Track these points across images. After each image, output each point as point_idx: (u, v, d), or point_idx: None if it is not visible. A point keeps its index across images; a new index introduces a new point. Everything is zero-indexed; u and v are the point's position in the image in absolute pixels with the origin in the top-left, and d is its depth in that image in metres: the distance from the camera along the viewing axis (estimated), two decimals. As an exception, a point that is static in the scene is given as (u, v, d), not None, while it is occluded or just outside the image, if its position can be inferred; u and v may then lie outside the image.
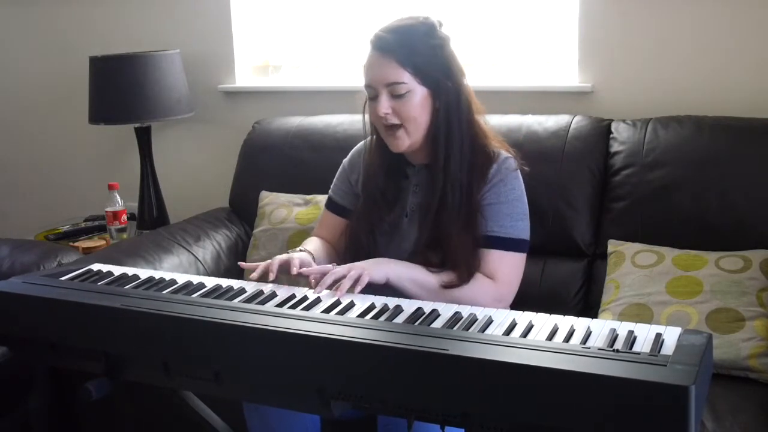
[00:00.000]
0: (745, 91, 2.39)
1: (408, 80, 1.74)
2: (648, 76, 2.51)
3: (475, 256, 1.76)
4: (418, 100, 1.75)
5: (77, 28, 3.36)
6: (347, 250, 1.92)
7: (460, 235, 1.75)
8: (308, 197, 2.58)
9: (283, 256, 1.74)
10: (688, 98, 2.43)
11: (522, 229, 1.80)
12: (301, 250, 1.85)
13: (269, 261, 1.71)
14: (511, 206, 1.79)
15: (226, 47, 3.10)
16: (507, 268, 1.78)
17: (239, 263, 1.78)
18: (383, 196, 1.87)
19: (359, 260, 1.88)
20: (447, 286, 1.72)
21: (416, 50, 1.74)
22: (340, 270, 1.64)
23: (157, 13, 3.20)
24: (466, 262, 1.74)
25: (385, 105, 1.75)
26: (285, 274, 1.72)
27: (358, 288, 1.62)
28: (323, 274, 1.64)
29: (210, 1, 3.09)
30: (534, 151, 2.00)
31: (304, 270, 1.67)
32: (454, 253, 1.74)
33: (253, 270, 1.71)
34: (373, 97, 1.78)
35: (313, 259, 1.83)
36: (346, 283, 1.60)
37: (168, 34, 3.16)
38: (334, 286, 1.61)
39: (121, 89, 2.88)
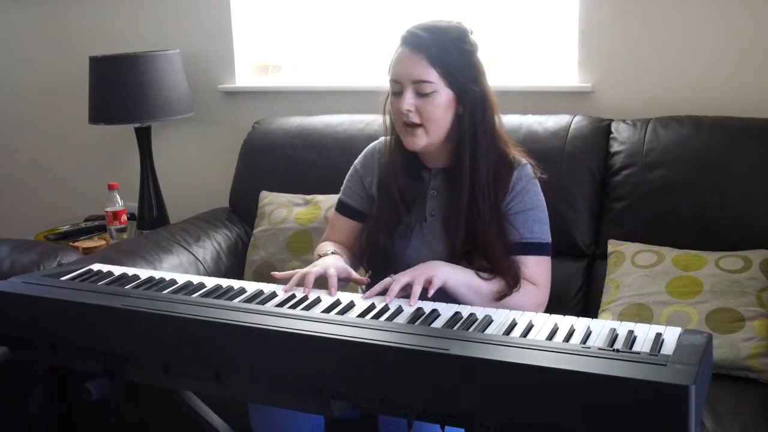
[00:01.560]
0: (744, 91, 2.39)
1: (435, 80, 1.72)
2: (648, 76, 2.51)
3: (514, 263, 1.77)
4: (442, 101, 1.74)
5: (77, 28, 3.36)
6: (364, 252, 1.89)
7: (497, 243, 1.76)
8: (308, 197, 2.58)
9: (319, 271, 1.66)
10: (688, 98, 2.43)
11: (548, 233, 1.83)
12: (332, 253, 1.80)
13: (303, 272, 1.64)
14: (537, 212, 1.81)
15: (226, 47, 3.10)
16: (545, 272, 1.81)
17: (272, 273, 1.70)
18: (402, 197, 1.84)
19: (377, 263, 1.86)
20: (499, 297, 1.72)
21: (448, 52, 1.73)
22: (403, 278, 1.61)
23: (157, 13, 3.20)
24: (508, 270, 1.75)
25: (408, 102, 1.73)
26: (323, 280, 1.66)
27: (432, 291, 1.60)
28: (385, 289, 1.59)
29: (210, 1, 3.09)
30: (534, 151, 1.99)
31: (367, 294, 1.59)
32: (497, 261, 1.75)
33: (286, 279, 1.64)
34: (397, 93, 1.76)
35: (345, 260, 1.79)
36: (417, 289, 1.57)
37: (168, 34, 3.16)
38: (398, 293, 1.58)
39: (121, 89, 2.88)
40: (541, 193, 1.83)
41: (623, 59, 2.54)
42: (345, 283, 1.72)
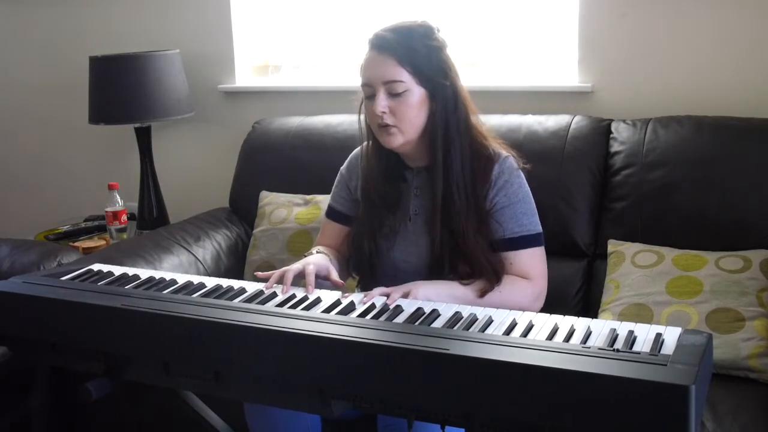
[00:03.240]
0: (745, 91, 2.39)
1: (406, 79, 1.73)
2: (648, 76, 2.51)
3: (496, 258, 1.77)
4: (415, 100, 1.75)
5: (77, 28, 3.36)
6: (350, 257, 1.90)
7: (476, 238, 1.76)
8: (308, 197, 2.59)
9: (298, 268, 1.68)
10: (688, 98, 2.43)
11: (537, 223, 1.82)
12: (317, 252, 1.83)
13: (283, 271, 1.66)
14: (523, 204, 1.80)
15: (226, 47, 3.10)
16: (538, 263, 1.80)
17: (255, 273, 1.73)
18: (383, 201, 1.86)
19: (363, 267, 1.88)
20: (482, 294, 1.72)
21: (415, 50, 1.74)
22: (384, 289, 1.62)
23: (157, 13, 3.20)
24: (490, 265, 1.75)
25: (382, 103, 1.74)
26: (302, 279, 1.68)
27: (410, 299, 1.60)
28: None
29: (210, 1, 3.09)
30: (534, 151, 2.00)
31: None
32: (475, 257, 1.75)
33: (266, 278, 1.67)
34: (370, 96, 1.77)
35: (330, 260, 1.81)
36: (396, 295, 1.57)
37: (168, 34, 3.17)
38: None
39: (121, 89, 2.88)
40: (526, 184, 1.83)
41: (623, 59, 2.54)
42: (326, 281, 1.72)
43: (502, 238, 1.78)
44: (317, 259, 1.76)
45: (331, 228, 1.98)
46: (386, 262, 1.84)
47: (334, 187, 2.01)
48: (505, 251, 1.78)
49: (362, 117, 1.86)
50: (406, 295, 1.61)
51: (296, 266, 1.69)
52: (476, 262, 1.75)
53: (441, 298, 1.67)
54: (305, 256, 1.82)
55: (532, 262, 1.79)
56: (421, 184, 1.85)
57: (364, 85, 1.78)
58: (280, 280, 1.65)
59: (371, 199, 1.88)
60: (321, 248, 1.88)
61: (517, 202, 1.79)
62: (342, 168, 2.01)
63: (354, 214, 1.94)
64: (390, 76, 1.73)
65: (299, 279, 1.67)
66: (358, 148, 1.99)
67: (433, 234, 1.79)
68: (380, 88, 1.74)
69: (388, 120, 1.75)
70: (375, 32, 1.79)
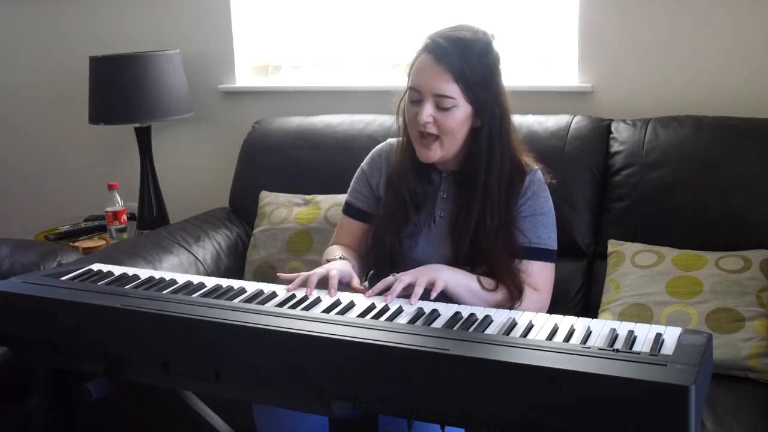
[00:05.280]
0: (745, 91, 2.39)
1: (456, 95, 1.71)
2: (648, 76, 2.51)
3: (517, 268, 1.77)
4: (461, 116, 1.73)
5: (77, 28, 3.36)
6: (371, 251, 1.89)
7: (503, 252, 1.76)
8: (308, 197, 2.58)
9: (322, 272, 1.66)
10: (688, 98, 2.43)
11: (555, 240, 1.84)
12: (340, 258, 1.81)
13: (307, 275, 1.65)
14: (546, 217, 1.82)
15: (226, 47, 3.10)
16: (548, 277, 1.82)
17: (278, 274, 1.72)
18: (412, 198, 1.85)
19: (383, 262, 1.86)
20: (499, 305, 1.71)
21: (471, 67, 1.71)
22: (406, 278, 1.61)
23: (157, 13, 3.20)
24: (513, 281, 1.75)
25: (427, 113, 1.72)
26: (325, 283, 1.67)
27: (434, 294, 1.60)
28: (387, 287, 1.60)
29: (210, 1, 3.09)
30: (534, 151, 1.99)
31: (369, 293, 1.59)
32: (498, 267, 1.75)
33: (289, 280, 1.66)
34: (416, 101, 1.75)
35: (353, 266, 1.80)
36: (419, 290, 1.57)
37: (168, 34, 3.17)
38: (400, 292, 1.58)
39: (121, 89, 2.88)
40: (551, 200, 1.84)
41: (623, 59, 2.54)
42: (346, 287, 1.72)
43: (521, 246, 1.79)
44: (341, 266, 1.73)
45: (349, 225, 1.97)
46: (406, 260, 1.83)
47: (353, 184, 1.99)
48: (521, 259, 1.79)
49: (402, 112, 1.84)
50: (431, 284, 1.61)
51: (320, 270, 1.67)
52: (498, 271, 1.75)
53: (458, 287, 1.68)
54: (327, 261, 1.81)
55: (544, 275, 1.81)
56: (449, 188, 1.85)
57: (413, 89, 1.76)
58: (304, 284, 1.63)
59: (400, 195, 1.86)
60: (343, 254, 1.86)
61: (541, 214, 1.81)
62: (363, 164, 1.99)
63: (374, 212, 1.93)
64: (441, 90, 1.71)
65: (322, 283, 1.65)
66: (382, 145, 1.98)
67: (458, 243, 1.79)
68: (429, 99, 1.72)
69: (431, 129, 1.74)
70: (433, 36, 1.75)
